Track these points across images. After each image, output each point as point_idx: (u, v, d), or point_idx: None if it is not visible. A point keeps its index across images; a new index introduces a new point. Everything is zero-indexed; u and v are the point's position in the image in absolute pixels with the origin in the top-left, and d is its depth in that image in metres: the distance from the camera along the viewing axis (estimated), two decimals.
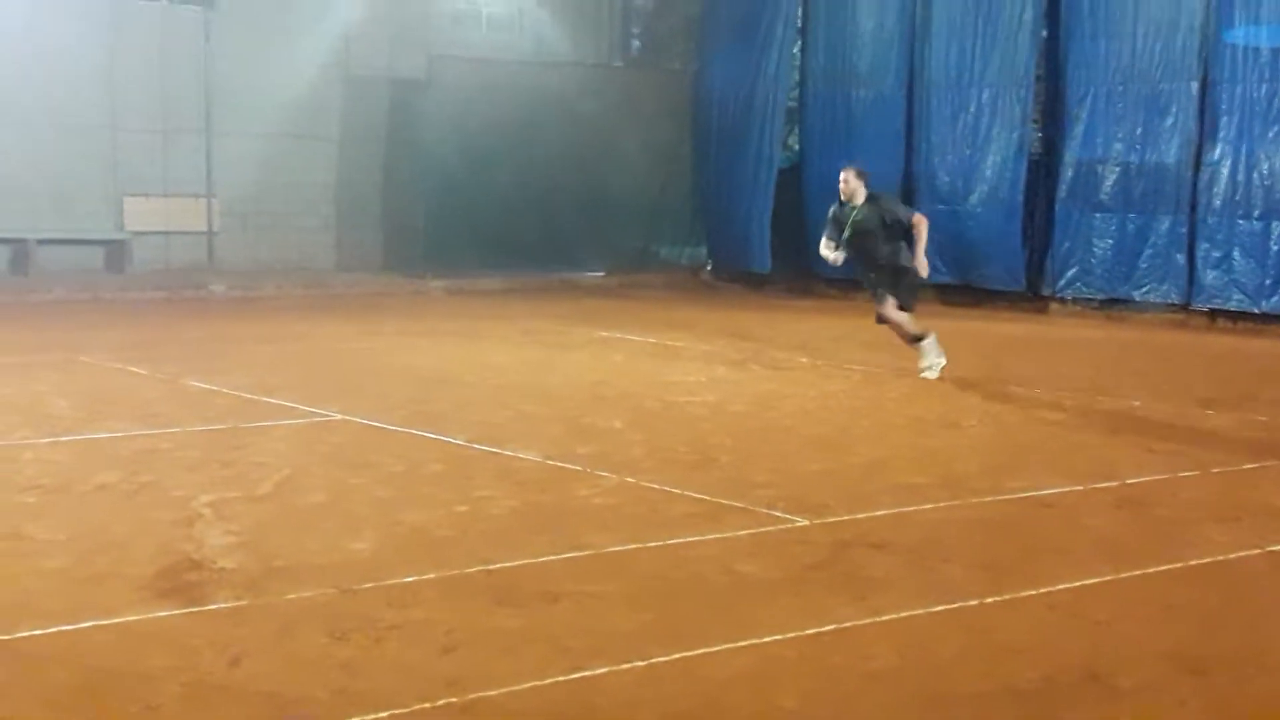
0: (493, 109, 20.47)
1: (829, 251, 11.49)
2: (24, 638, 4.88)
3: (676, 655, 4.91)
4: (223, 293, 18.14)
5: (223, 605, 5.33)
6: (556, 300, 18.40)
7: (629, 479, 7.68)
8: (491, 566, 5.96)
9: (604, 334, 14.83)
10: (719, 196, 21.48)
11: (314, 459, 8.09)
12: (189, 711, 4.26)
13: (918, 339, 11.49)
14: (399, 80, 20.64)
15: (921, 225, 11.44)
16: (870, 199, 11.44)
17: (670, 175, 22.08)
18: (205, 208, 19.47)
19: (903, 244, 11.47)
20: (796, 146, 21.04)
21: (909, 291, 11.50)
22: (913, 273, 11.41)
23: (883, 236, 11.38)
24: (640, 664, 4.82)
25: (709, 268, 21.98)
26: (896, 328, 11.57)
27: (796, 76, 20.96)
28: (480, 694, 4.48)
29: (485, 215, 20.30)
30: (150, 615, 5.18)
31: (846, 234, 11.40)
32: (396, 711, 4.31)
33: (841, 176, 11.49)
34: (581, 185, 21.31)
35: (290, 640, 4.95)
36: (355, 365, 12.22)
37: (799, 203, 20.26)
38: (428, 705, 4.37)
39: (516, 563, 6.03)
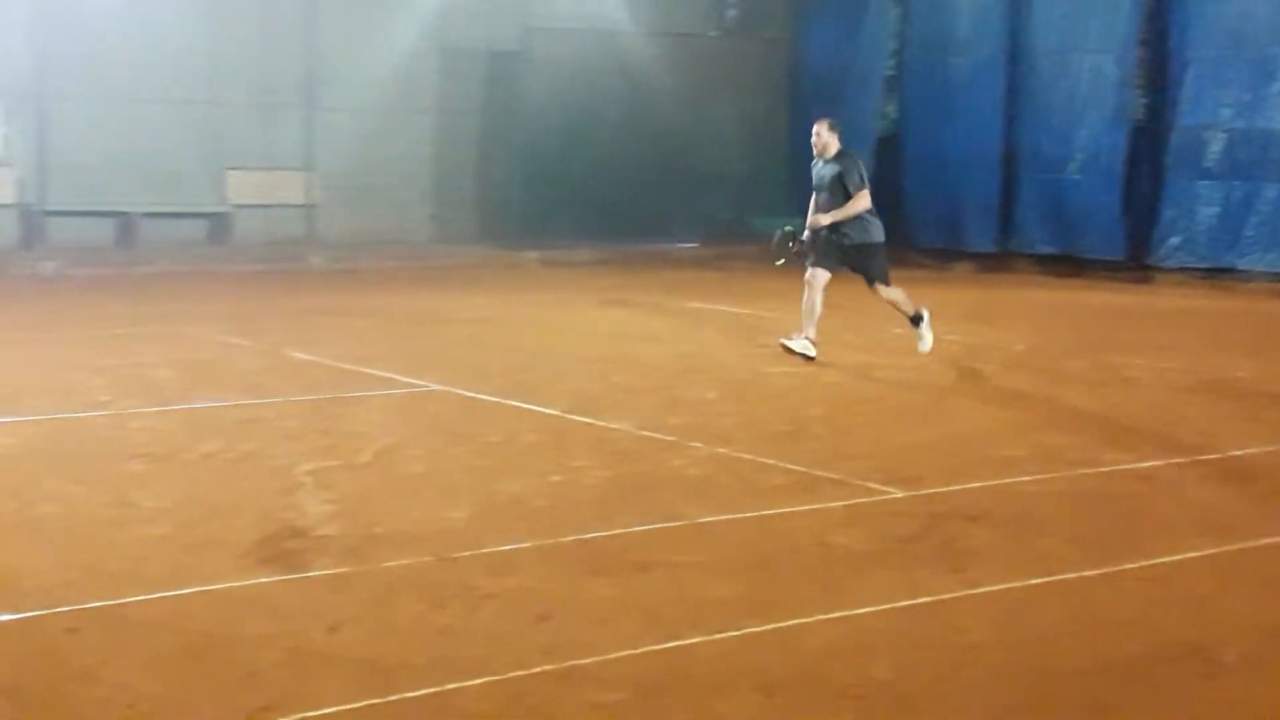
0: (588, 80, 20.48)
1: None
2: (130, 603, 5.00)
3: (771, 626, 4.91)
4: (321, 265, 18.37)
5: (322, 572, 5.41)
6: (650, 271, 18.39)
7: (721, 450, 7.67)
8: (586, 536, 5.99)
9: (697, 305, 14.82)
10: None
11: (412, 429, 8.18)
12: (289, 677, 4.34)
13: (917, 318, 10.80)
14: (495, 52, 20.72)
15: (859, 204, 10.40)
16: (840, 155, 10.57)
17: (765, 145, 21.96)
18: (304, 181, 19.72)
19: (875, 221, 10.59)
20: (894, 115, 20.77)
21: (880, 266, 10.69)
22: (882, 249, 10.68)
23: (843, 197, 10.43)
24: (734, 634, 4.82)
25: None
26: (892, 305, 10.89)
27: (894, 44, 20.70)
28: (575, 662, 4.51)
29: (579, 186, 20.34)
30: (252, 582, 5.28)
31: (814, 191, 10.64)
32: (493, 678, 4.36)
33: (815, 129, 10.67)
34: (675, 156, 21.26)
35: (388, 607, 5.02)
36: (452, 337, 12.33)
37: (896, 172, 20.04)
38: (523, 673, 4.41)
39: (610, 532, 6.06)
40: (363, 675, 4.36)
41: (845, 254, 10.61)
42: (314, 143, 19.56)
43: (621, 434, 8.09)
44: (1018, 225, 19.30)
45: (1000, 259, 19.32)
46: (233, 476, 6.96)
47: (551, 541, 5.91)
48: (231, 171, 19.33)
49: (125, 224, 18.61)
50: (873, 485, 6.93)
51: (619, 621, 4.93)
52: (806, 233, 10.74)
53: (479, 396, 9.17)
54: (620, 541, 5.95)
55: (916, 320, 10.83)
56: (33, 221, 17.87)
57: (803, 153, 20.93)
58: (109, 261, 17.41)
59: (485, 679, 4.35)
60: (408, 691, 4.23)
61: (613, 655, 4.59)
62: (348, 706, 4.12)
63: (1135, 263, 18.11)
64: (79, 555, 5.55)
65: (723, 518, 6.34)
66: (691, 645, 4.72)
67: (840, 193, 10.46)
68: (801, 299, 10.57)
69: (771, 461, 7.42)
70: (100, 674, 4.30)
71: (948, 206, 19.84)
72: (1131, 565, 5.71)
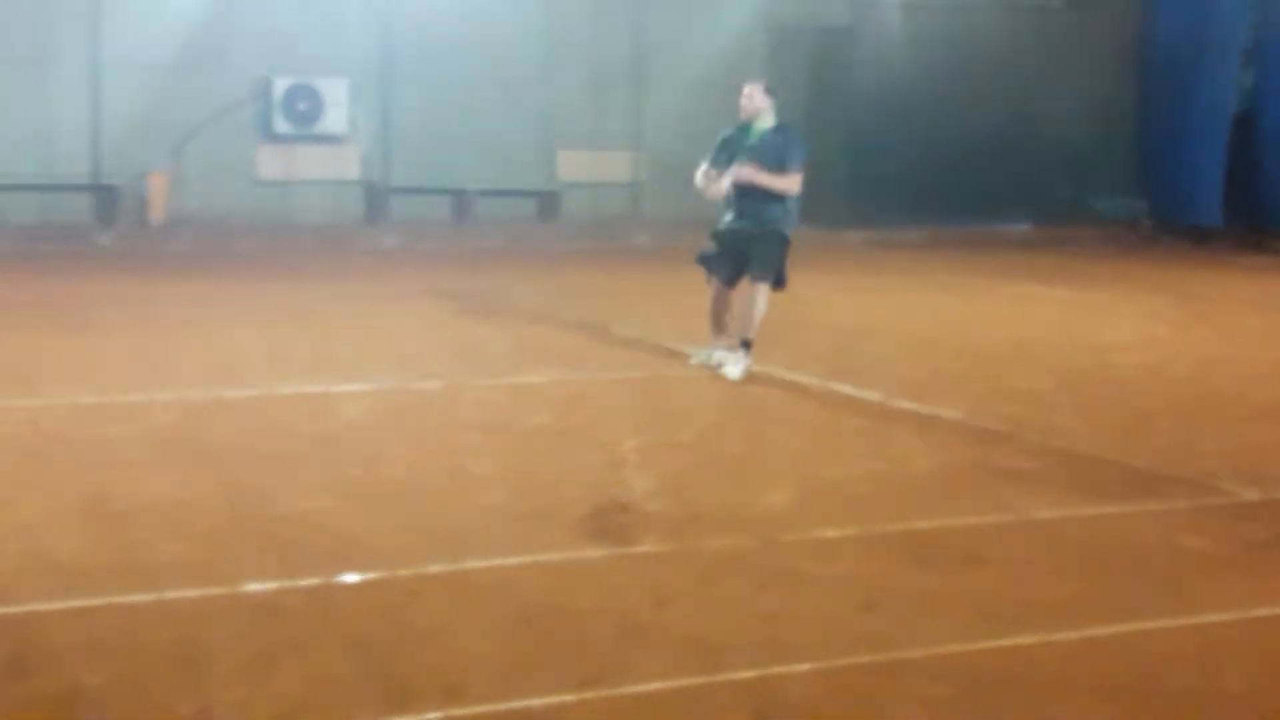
0: (920, 55, 20.04)
1: (706, 181, 9.23)
2: (467, 569, 5.15)
3: (1110, 629, 4.66)
4: (646, 244, 18.65)
5: (649, 549, 5.46)
6: (980, 253, 17.89)
7: (1057, 442, 7.36)
8: (911, 526, 5.84)
9: (1031, 289, 14.31)
10: (1163, 144, 20.23)
11: (734, 409, 8.18)
12: (618, 650, 4.38)
13: (747, 343, 9.03)
14: (823, 28, 20.54)
15: (794, 183, 9.03)
16: (782, 129, 9.11)
17: (1108, 122, 21.01)
18: (631, 160, 20.05)
19: (790, 208, 9.18)
20: (1251, 90, 19.50)
21: (775, 262, 9.11)
22: (787, 247, 9.19)
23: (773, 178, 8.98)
24: (1073, 635, 4.60)
25: (1149, 220, 20.79)
26: (744, 312, 9.07)
27: (1253, 15, 19.42)
28: (902, 654, 4.39)
29: (907, 166, 19.94)
30: (581, 554, 5.37)
31: (738, 162, 9.01)
32: (820, 665, 4.29)
33: (744, 91, 9.08)
34: (1011, 133, 20.57)
35: (714, 587, 5.02)
36: (774, 318, 12.22)
37: (1254, 151, 18.83)
38: (849, 661, 4.33)
39: (937, 523, 5.89)
40: (689, 653, 4.36)
41: (746, 230, 9.08)
42: (641, 121, 19.84)
43: (949, 422, 7.87)
44: None
45: None
46: (561, 449, 7.11)
47: (876, 529, 5.79)
48: (562, 150, 19.83)
49: (460, 201, 19.35)
50: (1224, 486, 6.51)
51: (947, 615, 4.78)
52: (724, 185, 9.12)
53: (800, 379, 9.10)
54: (947, 533, 5.78)
55: (747, 345, 9.04)
56: (376, 198, 18.80)
57: (1153, 131, 19.17)
58: (445, 236, 18.16)
59: (811, 665, 4.29)
60: (733, 673, 4.21)
61: (941, 649, 4.45)
62: (675, 683, 4.13)
63: None
64: (419, 520, 5.76)
65: (1058, 514, 6.07)
66: (1024, 644, 4.53)
67: (776, 171, 8.98)
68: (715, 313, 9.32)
69: (1111, 456, 7.07)
70: (440, 636, 4.45)
71: None
72: None
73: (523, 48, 19.35)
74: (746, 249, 9.08)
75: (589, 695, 4.03)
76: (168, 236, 16.48)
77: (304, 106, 17.99)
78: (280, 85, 17.79)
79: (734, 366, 8.92)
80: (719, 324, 9.25)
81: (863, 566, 5.30)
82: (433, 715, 3.89)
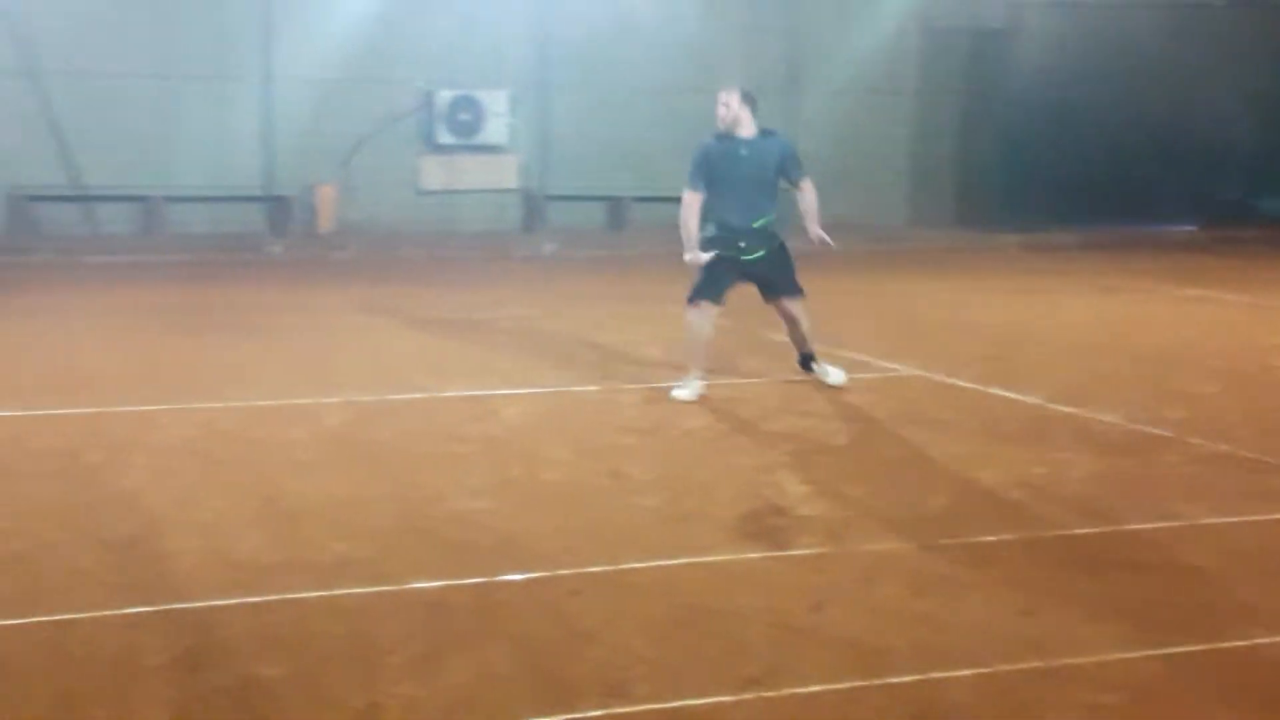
0: (1079, 56, 19.69)
1: (693, 259, 8.66)
2: (627, 570, 5.24)
3: None
4: (798, 248, 18.59)
5: (804, 551, 5.49)
6: (1139, 255, 17.49)
7: (1223, 447, 7.19)
8: (1072, 531, 5.78)
9: (1193, 292, 13.95)
10: None
11: (887, 413, 8.15)
12: (775, 652, 4.42)
13: (813, 356, 8.84)
14: (980, 30, 20.29)
15: (812, 188, 8.60)
16: (766, 134, 8.44)
17: (1273, 121, 20.37)
18: None
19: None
20: None
21: (794, 273, 8.76)
22: (788, 251, 8.72)
23: (772, 189, 8.44)
24: (1240, 644, 4.52)
25: None
26: (794, 333, 8.83)
27: None
28: (1065, 660, 4.36)
29: (1065, 167, 19.60)
30: (737, 556, 5.42)
31: (730, 180, 8.34)
32: (980, 670, 4.28)
33: (720, 99, 8.34)
34: (1171, 133, 20.09)
35: (871, 590, 5.03)
36: (927, 320, 12.19)
37: None
38: (1011, 667, 4.30)
39: (1099, 529, 5.81)
40: (847, 656, 4.38)
41: (753, 247, 8.55)
42: (794, 126, 19.79)
43: (1110, 426, 7.73)
44: None
45: None
46: (715, 452, 7.17)
47: (1035, 535, 5.74)
48: None
49: (615, 208, 19.54)
50: None
51: (1111, 621, 4.72)
52: (755, 247, 8.53)
53: (956, 383, 9.02)
54: (1110, 539, 5.70)
55: (813, 357, 8.89)
56: (534, 205, 19.09)
57: None
58: (601, 243, 18.36)
59: (972, 670, 4.28)
60: (893, 676, 4.22)
61: (1104, 656, 4.40)
62: (834, 686, 4.15)
63: None
64: (579, 521, 5.88)
65: (1225, 520, 5.95)
66: (1190, 653, 4.46)
67: (773, 184, 8.42)
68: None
69: (1278, 461, 6.88)
70: (601, 635, 4.54)
71: None
72: None
73: (676, 56, 19.47)
74: (763, 269, 8.61)
75: (748, 696, 4.08)
76: (335, 245, 16.97)
77: (466, 117, 18.37)
78: (443, 97, 18.20)
79: (838, 373, 8.82)
80: (708, 351, 8.71)
81: (1022, 572, 5.26)
82: (595, 714, 3.98)
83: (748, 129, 8.36)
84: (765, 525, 5.82)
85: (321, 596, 4.88)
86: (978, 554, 5.46)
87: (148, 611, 4.67)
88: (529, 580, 5.10)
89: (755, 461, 6.92)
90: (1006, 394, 8.61)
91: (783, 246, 8.66)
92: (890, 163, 20.63)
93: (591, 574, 5.17)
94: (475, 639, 4.51)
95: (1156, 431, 7.56)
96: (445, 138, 18.37)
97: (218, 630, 4.56)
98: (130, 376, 8.95)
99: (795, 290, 8.73)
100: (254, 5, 17.40)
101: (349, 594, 4.91)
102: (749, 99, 8.35)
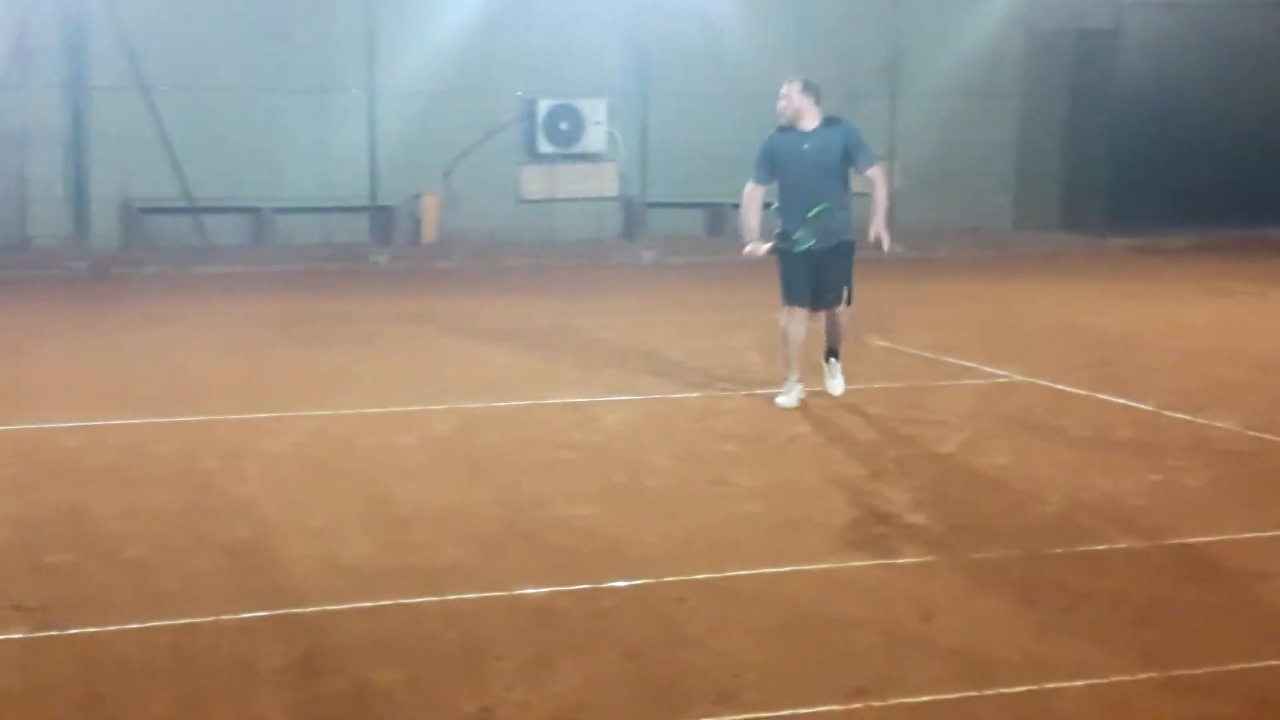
0: (1187, 56, 19.31)
1: (753, 250, 8.42)
2: (732, 577, 5.24)
3: None
4: (900, 254, 18.43)
5: (912, 560, 5.45)
6: (1254, 259, 17.10)
7: None
8: (1187, 540, 5.67)
9: None
10: None
11: (995, 420, 8.06)
12: (884, 661, 4.40)
13: (837, 352, 8.57)
14: (1086, 31, 19.97)
15: (882, 179, 8.37)
16: (833, 122, 8.27)
17: None
18: (885, 169, 19.84)
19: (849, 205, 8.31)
20: None
21: (850, 274, 8.40)
22: (848, 251, 8.32)
23: (841, 181, 8.22)
24: None
25: None
26: (832, 328, 8.48)
27: None
28: (1182, 670, 4.28)
29: (1173, 169, 19.22)
30: (843, 564, 5.40)
31: (793, 173, 8.17)
32: (1093, 681, 4.22)
33: (782, 91, 8.23)
34: None
35: (980, 599, 4.98)
36: (1034, 326, 12.03)
37: None
38: (1126, 678, 4.24)
39: (1216, 537, 5.70)
40: (957, 665, 4.35)
41: (824, 237, 8.20)
42: (895, 130, 19.66)
43: (1226, 433, 7.58)
44: None
45: None
46: (819, 460, 7.14)
47: (1149, 543, 5.65)
48: None
49: (715, 214, 19.52)
50: None
51: (1229, 631, 4.63)
52: (812, 240, 8.18)
53: (1065, 389, 8.90)
54: (1227, 548, 5.59)
55: (837, 354, 8.60)
56: (633, 213, 19.15)
57: None
58: (700, 250, 18.35)
59: (1085, 681, 4.22)
60: (1004, 687, 4.18)
61: (1223, 667, 4.32)
62: (944, 696, 4.12)
63: None
64: (683, 528, 5.89)
65: None
66: None
67: (841, 174, 8.21)
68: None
69: None
70: (708, 642, 4.55)
71: None
72: None
73: (774, 61, 19.39)
74: (826, 266, 8.28)
75: (857, 706, 4.06)
76: (438, 254, 17.15)
77: (565, 126, 18.48)
78: (543, 106, 18.33)
79: (838, 385, 8.58)
80: (802, 355, 8.48)
81: (1136, 581, 5.18)
82: None
83: (811, 120, 8.20)
84: (871, 533, 5.79)
85: (433, 601, 4.94)
86: (1090, 563, 5.39)
87: (264, 616, 4.76)
88: (635, 587, 5.12)
89: (860, 469, 6.89)
90: (1118, 400, 8.48)
91: (843, 245, 8.27)
92: (995, 167, 20.38)
93: (697, 581, 5.18)
94: (583, 645, 4.54)
95: (1275, 439, 7.40)
96: (545, 147, 18.48)
97: (332, 635, 4.63)
98: (242, 385, 9.13)
99: (838, 297, 8.37)
100: (358, 19, 17.65)
101: (459, 599, 4.97)
102: (810, 89, 8.19)
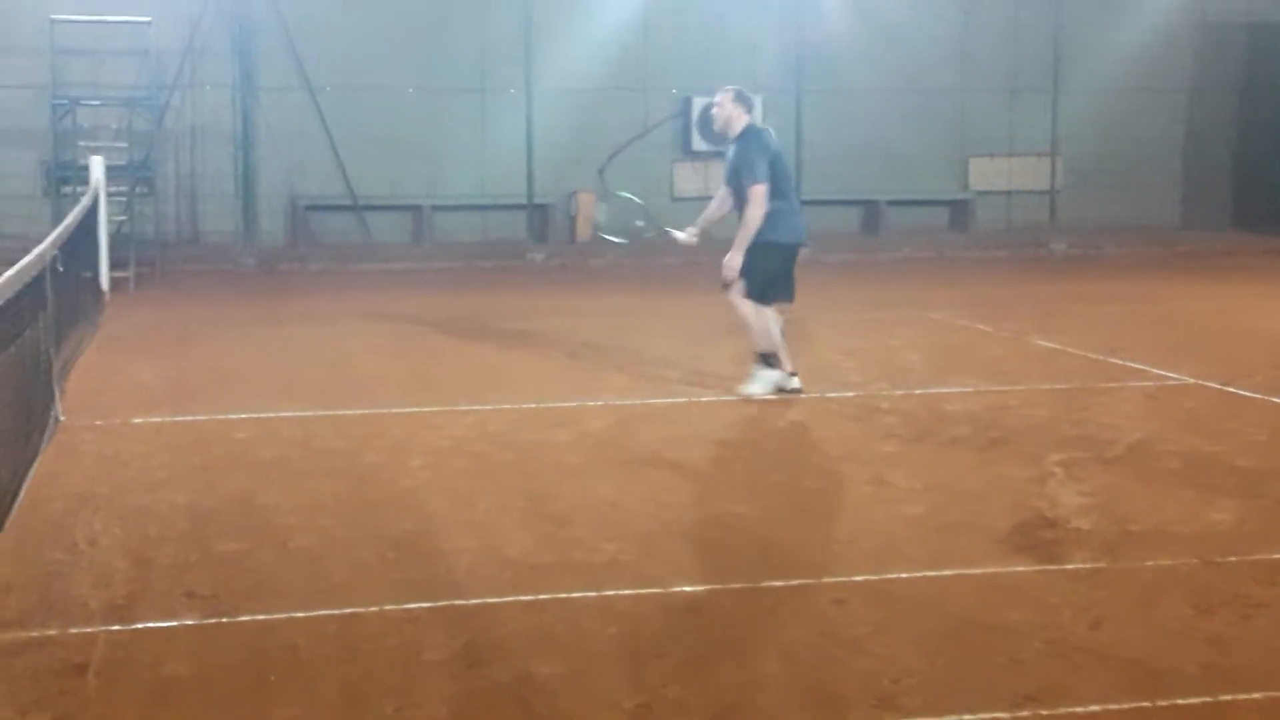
0: None
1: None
2: (892, 579, 5.16)
3: None
4: (1063, 251, 18.06)
5: (1080, 566, 5.30)
6: None
7: None
8: None
9: None
10: None
11: (1166, 423, 7.82)
12: (1052, 669, 4.28)
13: (765, 358, 8.35)
14: (1257, 24, 19.33)
15: (757, 201, 8.03)
16: (744, 134, 8.19)
17: None
18: (1048, 166, 19.47)
19: (780, 220, 8.20)
20: None
21: (750, 266, 8.21)
22: (768, 252, 8.19)
23: (739, 195, 8.23)
24: None
25: None
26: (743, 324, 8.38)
27: None
28: None
29: None
30: (1008, 569, 5.27)
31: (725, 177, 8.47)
32: (1272, 694, 4.06)
33: (716, 99, 8.29)
34: None
35: (1152, 608, 4.82)
36: (1204, 327, 11.67)
37: None
38: None
39: None
40: (1128, 675, 4.21)
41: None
42: (1059, 127, 19.25)
43: None
44: None
45: None
46: (982, 462, 7.00)
47: None
48: (975, 159, 19.49)
49: (871, 211, 19.33)
50: None
51: None
52: (685, 234, 8.61)
53: (1239, 392, 8.60)
54: None
55: (767, 359, 8.35)
56: None
57: None
58: (855, 248, 18.19)
59: (1265, 694, 4.06)
60: (1178, 698, 4.04)
61: None
62: (1115, 706, 4.00)
63: None
64: (841, 528, 5.82)
65: None
66: None
67: (739, 189, 8.20)
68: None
69: None
70: (868, 646, 4.48)
71: None
72: None
73: (934, 56, 19.15)
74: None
75: (1024, 714, 3.96)
76: (593, 252, 17.27)
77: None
78: (698, 103, 18.33)
79: (757, 387, 8.36)
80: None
81: None
82: None
83: (737, 128, 8.24)
84: (1037, 538, 5.65)
85: (591, 597, 4.96)
86: (1268, 571, 5.19)
87: (427, 607, 4.82)
88: (793, 587, 5.07)
89: (1025, 471, 6.73)
90: None
91: (759, 241, 8.18)
92: (1163, 164, 19.84)
93: (857, 583, 5.11)
94: (742, 644, 4.51)
95: None
96: (700, 144, 18.48)
97: (494, 628, 4.67)
98: (405, 379, 9.29)
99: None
100: (515, 20, 17.86)
101: (618, 595, 4.97)
102: (743, 99, 8.20)
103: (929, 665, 4.32)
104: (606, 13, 18.09)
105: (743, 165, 8.11)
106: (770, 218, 8.10)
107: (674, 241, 8.74)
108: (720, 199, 8.53)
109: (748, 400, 8.26)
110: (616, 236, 8.94)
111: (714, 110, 8.29)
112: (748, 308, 8.18)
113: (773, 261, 8.18)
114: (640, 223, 8.62)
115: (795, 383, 8.43)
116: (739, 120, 8.18)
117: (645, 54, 18.33)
